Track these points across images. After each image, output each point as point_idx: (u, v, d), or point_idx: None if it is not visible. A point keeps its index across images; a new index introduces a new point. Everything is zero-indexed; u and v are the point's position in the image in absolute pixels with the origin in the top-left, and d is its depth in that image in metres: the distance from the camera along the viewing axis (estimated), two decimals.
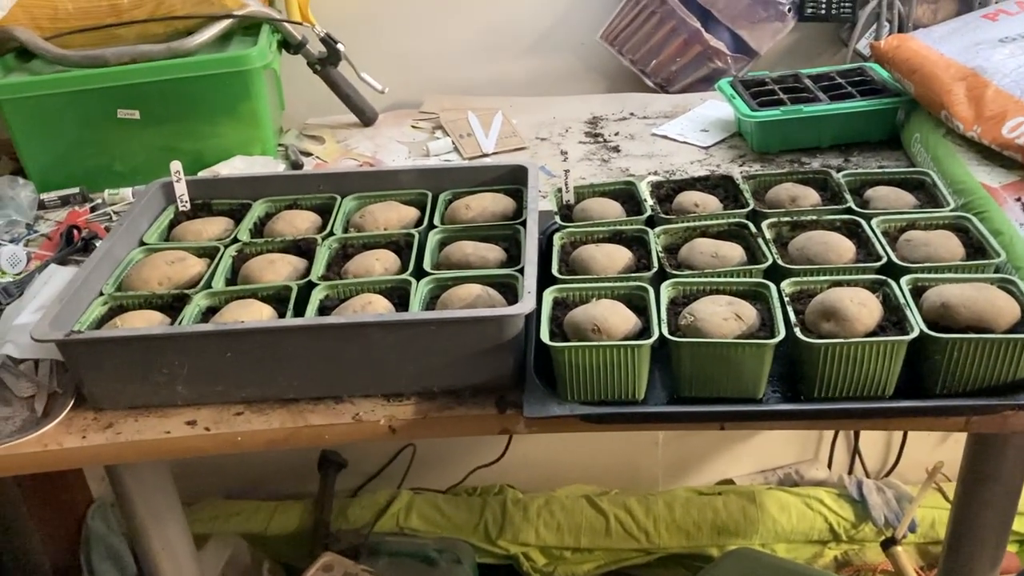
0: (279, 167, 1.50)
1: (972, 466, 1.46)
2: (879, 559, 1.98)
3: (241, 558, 1.99)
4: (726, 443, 2.18)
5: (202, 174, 1.45)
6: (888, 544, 1.93)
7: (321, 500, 2.01)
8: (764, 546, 2.03)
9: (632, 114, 1.67)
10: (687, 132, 1.55)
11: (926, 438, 2.06)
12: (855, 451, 2.13)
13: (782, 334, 0.91)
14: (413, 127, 1.68)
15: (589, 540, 2.03)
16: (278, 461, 2.13)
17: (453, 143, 1.58)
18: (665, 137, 1.55)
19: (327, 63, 1.60)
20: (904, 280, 0.98)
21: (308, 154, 1.58)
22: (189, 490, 2.06)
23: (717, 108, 1.60)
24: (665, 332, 0.94)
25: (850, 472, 2.15)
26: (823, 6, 1.67)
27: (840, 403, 0.93)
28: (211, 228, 1.21)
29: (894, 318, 0.94)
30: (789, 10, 1.68)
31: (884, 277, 0.98)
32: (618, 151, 1.53)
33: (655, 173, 1.44)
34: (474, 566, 1.97)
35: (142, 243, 1.19)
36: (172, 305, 1.07)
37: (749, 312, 0.95)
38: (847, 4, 1.66)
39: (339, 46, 1.58)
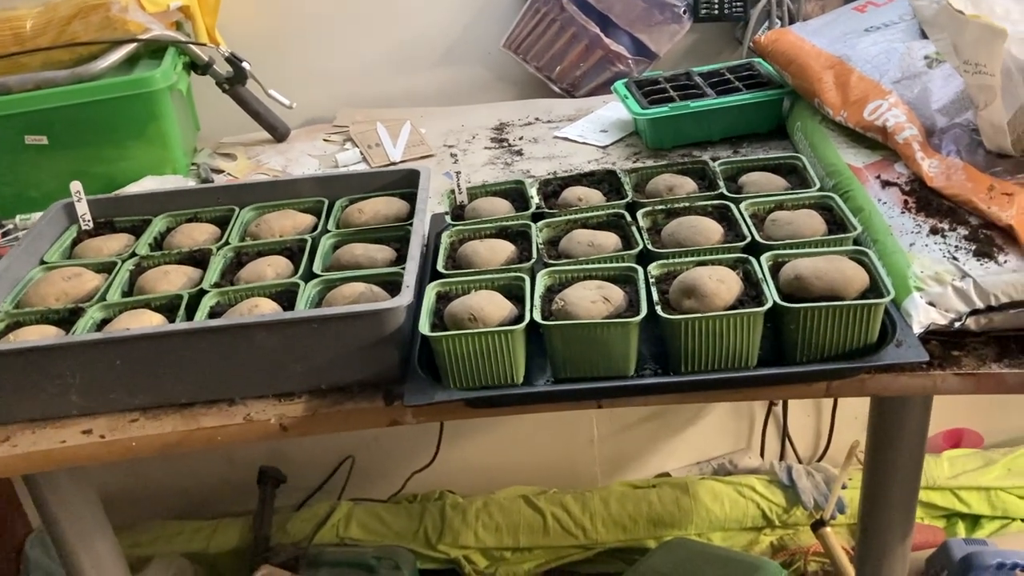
0: (189, 185, 1.53)
1: (874, 439, 1.52)
2: (812, 542, 2.02)
3: None
4: (662, 438, 2.22)
5: (113, 194, 1.47)
6: (817, 526, 1.97)
7: (260, 515, 2.03)
8: (700, 535, 2.07)
9: (537, 119, 1.72)
10: (587, 133, 1.60)
11: (853, 423, 2.11)
12: (785, 437, 2.18)
13: (644, 312, 0.96)
14: (325, 140, 1.71)
15: (528, 539, 2.06)
16: (218, 480, 2.15)
17: (361, 153, 1.62)
18: (566, 139, 1.60)
19: (234, 82, 1.63)
20: (764, 257, 1.02)
21: (220, 171, 1.61)
22: (130, 514, 2.08)
23: (617, 109, 1.65)
24: (537, 317, 0.98)
25: (781, 459, 2.20)
26: (716, 6, 1.73)
27: (706, 375, 0.98)
28: (112, 245, 1.24)
29: (753, 293, 0.99)
30: (684, 12, 1.74)
31: (746, 255, 1.03)
32: (521, 154, 1.58)
33: (554, 173, 1.48)
34: (415, 572, 1.99)
35: (43, 262, 1.21)
36: (68, 319, 1.09)
37: (617, 295, 1.00)
38: (739, 3, 1.72)
39: (244, 65, 1.61)
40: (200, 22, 1.66)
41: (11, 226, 1.49)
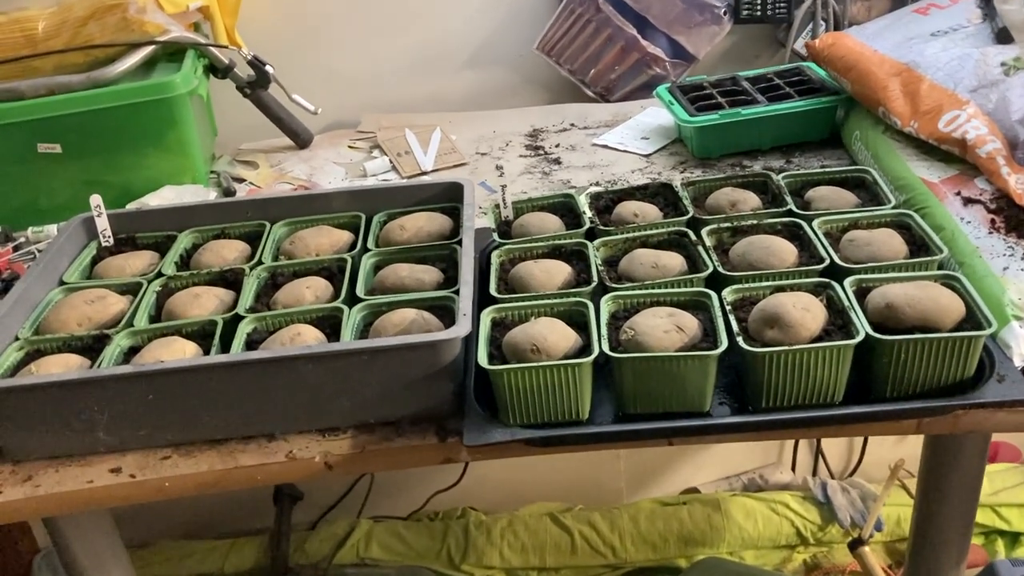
0: (210, 195, 1.45)
1: (931, 462, 1.45)
2: (847, 560, 1.96)
3: None
4: (689, 452, 2.16)
5: (130, 206, 1.39)
6: (855, 545, 1.91)
7: (277, 535, 1.96)
8: (732, 554, 2.01)
9: (572, 125, 1.64)
10: (627, 141, 1.53)
11: (887, 436, 2.05)
12: (818, 452, 2.12)
13: (724, 344, 0.89)
14: (350, 147, 1.64)
15: (555, 559, 1.99)
16: (232, 497, 2.07)
17: (391, 162, 1.54)
18: (606, 147, 1.53)
19: (256, 86, 1.55)
20: (848, 282, 0.95)
21: (241, 180, 1.53)
22: (140, 533, 2.00)
23: (657, 115, 1.58)
24: (606, 348, 0.91)
25: (814, 474, 2.14)
26: (758, 7, 1.66)
27: (789, 412, 0.90)
28: (135, 263, 1.16)
29: (839, 321, 0.92)
30: (724, 13, 1.67)
31: (827, 280, 0.96)
32: (559, 163, 1.50)
33: (596, 183, 1.41)
34: None
35: (62, 283, 1.13)
36: (92, 347, 1.02)
37: (691, 323, 0.93)
38: (782, 4, 1.65)
39: (267, 68, 1.53)
40: (219, 23, 1.58)
41: (22, 239, 1.41)
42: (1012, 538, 2.00)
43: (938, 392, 0.89)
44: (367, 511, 2.08)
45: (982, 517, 1.99)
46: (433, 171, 1.51)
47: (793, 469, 2.16)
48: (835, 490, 2.03)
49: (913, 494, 1.92)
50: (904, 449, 1.97)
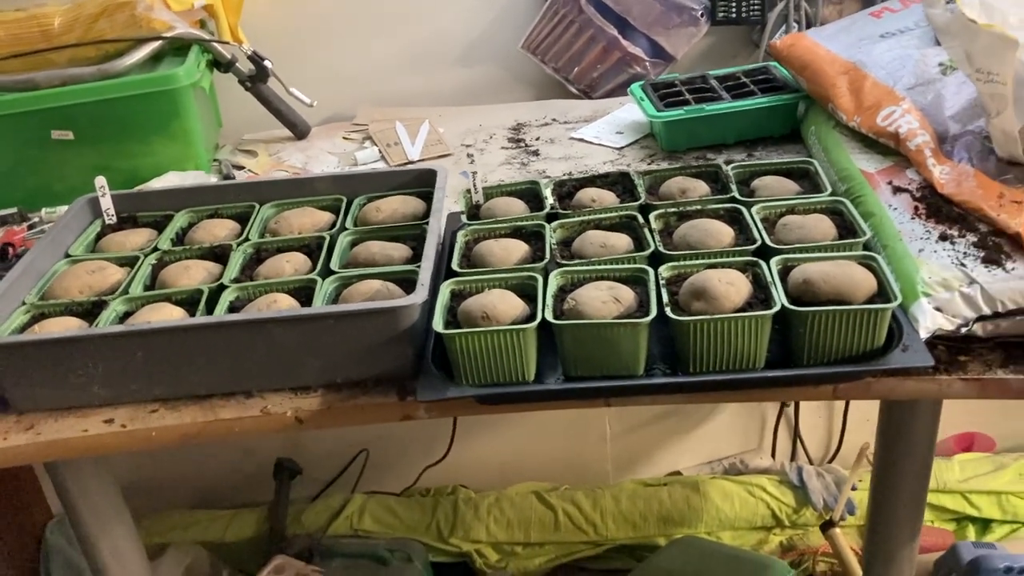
0: (211, 180, 1.56)
1: (884, 443, 1.53)
2: (821, 542, 2.03)
3: (200, 566, 2.04)
4: (674, 436, 2.24)
5: (137, 189, 1.50)
6: (827, 527, 1.99)
7: (275, 506, 2.06)
8: (710, 534, 2.08)
9: (554, 119, 1.73)
10: (603, 135, 1.62)
11: (864, 424, 2.12)
12: (796, 438, 2.19)
13: (654, 313, 0.97)
14: (344, 138, 1.74)
15: (539, 535, 2.08)
16: (235, 471, 2.18)
17: (380, 152, 1.64)
18: (582, 140, 1.62)
19: (256, 80, 1.66)
20: (774, 260, 1.04)
21: (241, 167, 1.64)
22: (148, 503, 2.11)
23: (633, 111, 1.67)
24: (549, 316, 1.00)
25: (792, 459, 2.21)
26: (734, 10, 1.74)
27: (715, 375, 0.99)
28: (134, 239, 1.27)
29: (762, 295, 1.01)
30: (702, 15, 1.75)
31: (756, 259, 1.05)
32: (537, 155, 1.59)
33: (569, 174, 1.50)
34: (427, 564, 2.02)
35: (67, 255, 1.24)
36: (91, 312, 1.12)
37: (628, 295, 1.02)
38: (756, 6, 1.73)
39: (266, 63, 1.64)
40: (224, 20, 1.69)
41: (36, 219, 1.52)
42: (982, 524, 2.07)
43: (851, 360, 0.98)
44: (362, 487, 2.19)
45: (953, 504, 2.05)
46: (419, 161, 1.61)
47: (773, 455, 2.23)
48: (810, 475, 2.10)
49: None
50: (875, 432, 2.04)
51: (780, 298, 0.97)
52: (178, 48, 1.60)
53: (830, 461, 2.20)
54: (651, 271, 1.05)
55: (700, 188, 1.23)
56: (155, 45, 1.55)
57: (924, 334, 0.98)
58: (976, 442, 2.19)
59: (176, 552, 2.03)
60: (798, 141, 1.50)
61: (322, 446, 2.15)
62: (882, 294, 0.99)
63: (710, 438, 2.24)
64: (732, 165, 1.27)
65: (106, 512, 1.52)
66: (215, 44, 1.61)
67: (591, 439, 2.21)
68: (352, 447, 2.17)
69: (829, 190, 1.18)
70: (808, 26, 1.73)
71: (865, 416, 2.10)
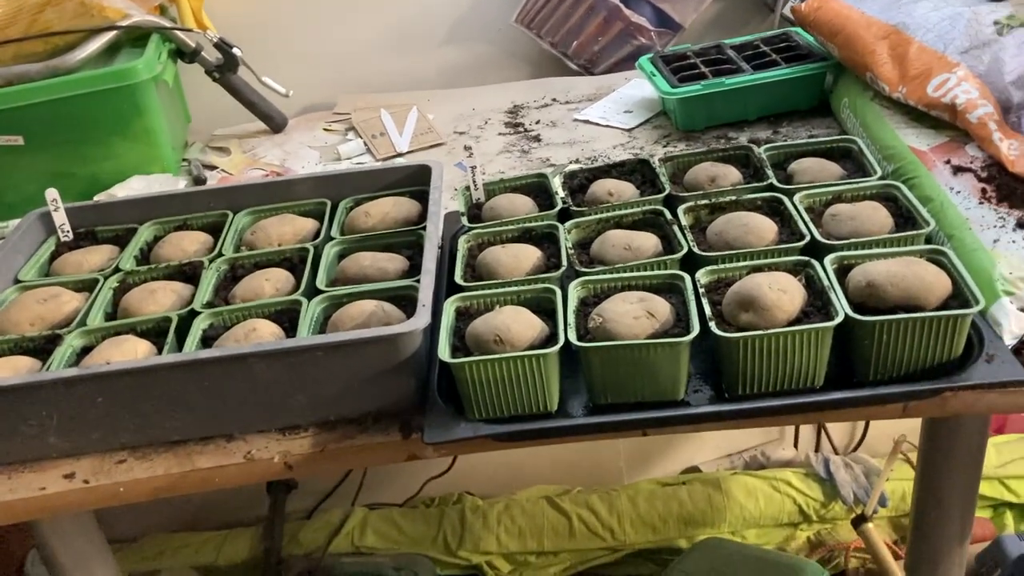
0: (180, 184, 1.41)
1: (930, 437, 1.40)
2: (852, 537, 1.92)
3: None
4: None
5: (98, 197, 1.36)
6: (859, 522, 1.88)
7: (271, 525, 1.93)
8: (734, 533, 1.97)
9: (554, 100, 1.59)
10: (610, 115, 1.47)
11: None
12: (820, 427, 2.07)
13: (696, 330, 0.84)
14: (325, 130, 1.59)
15: (553, 543, 1.96)
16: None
17: (365, 144, 1.50)
18: (587, 122, 1.48)
19: (225, 70, 1.50)
20: (828, 259, 0.90)
21: (213, 167, 1.49)
22: (135, 526, 1.98)
23: (641, 87, 1.53)
24: (572, 337, 0.86)
25: (817, 449, 2.10)
26: None
27: (767, 399, 0.86)
28: (93, 258, 1.12)
29: (819, 302, 0.87)
30: None
31: (807, 258, 0.91)
32: (539, 140, 1.45)
33: (576, 161, 1.36)
34: None
35: (17, 281, 1.10)
36: (45, 348, 0.98)
37: (663, 308, 0.88)
38: None
39: (235, 50, 1.48)
40: (185, 5, 1.53)
41: None
42: (1021, 510, 1.96)
43: (924, 374, 0.85)
44: (362, 499, 2.06)
45: (990, 490, 1.94)
46: (408, 152, 1.46)
47: (796, 445, 2.11)
48: (838, 466, 1.98)
49: None
50: (908, 422, 1.92)
51: (842, 306, 0.84)
52: (136, 38, 1.44)
53: (855, 449, 2.08)
54: (687, 277, 0.91)
55: (731, 175, 1.09)
56: (109, 36, 1.40)
57: (1009, 340, 0.84)
58: (1009, 423, 2.08)
59: None
60: (827, 114, 1.36)
61: None
62: (958, 296, 0.85)
63: (727, 431, 2.11)
64: (766, 147, 1.12)
65: (80, 546, 1.38)
66: (177, 32, 1.46)
67: None
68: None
69: (879, 173, 1.04)
70: None
71: None
